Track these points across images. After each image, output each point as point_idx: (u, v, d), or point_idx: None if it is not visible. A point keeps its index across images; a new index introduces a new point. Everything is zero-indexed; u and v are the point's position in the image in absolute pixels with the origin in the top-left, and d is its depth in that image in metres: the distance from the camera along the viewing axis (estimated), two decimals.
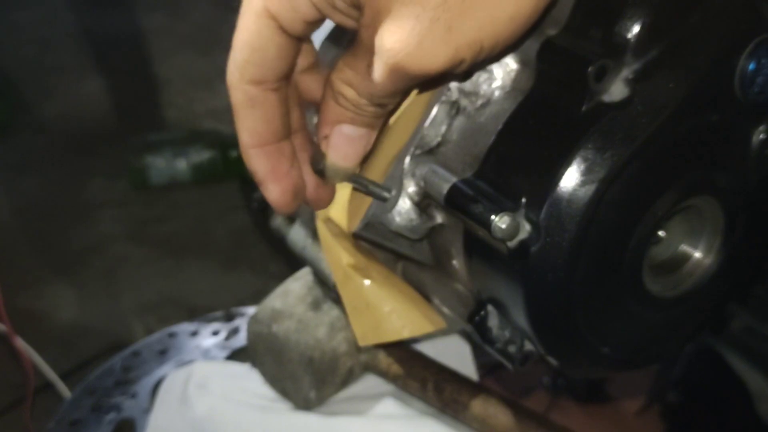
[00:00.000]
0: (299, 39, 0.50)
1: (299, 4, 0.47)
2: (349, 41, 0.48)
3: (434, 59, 0.43)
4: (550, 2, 0.45)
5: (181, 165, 2.44)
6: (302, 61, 0.53)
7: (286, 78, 0.51)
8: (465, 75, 0.54)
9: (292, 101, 0.54)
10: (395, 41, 0.43)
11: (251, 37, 0.48)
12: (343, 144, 0.51)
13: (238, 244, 2.21)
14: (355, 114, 0.49)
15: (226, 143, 2.45)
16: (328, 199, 0.57)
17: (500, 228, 0.49)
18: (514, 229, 0.49)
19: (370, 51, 0.44)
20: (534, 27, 0.47)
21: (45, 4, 3.35)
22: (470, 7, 0.42)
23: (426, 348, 0.89)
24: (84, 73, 3.00)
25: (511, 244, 0.49)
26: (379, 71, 0.44)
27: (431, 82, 0.50)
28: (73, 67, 3.05)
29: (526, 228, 0.49)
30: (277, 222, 0.81)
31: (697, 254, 0.58)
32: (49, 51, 3.13)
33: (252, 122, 0.51)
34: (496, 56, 0.50)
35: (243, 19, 0.48)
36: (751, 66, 0.50)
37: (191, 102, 2.84)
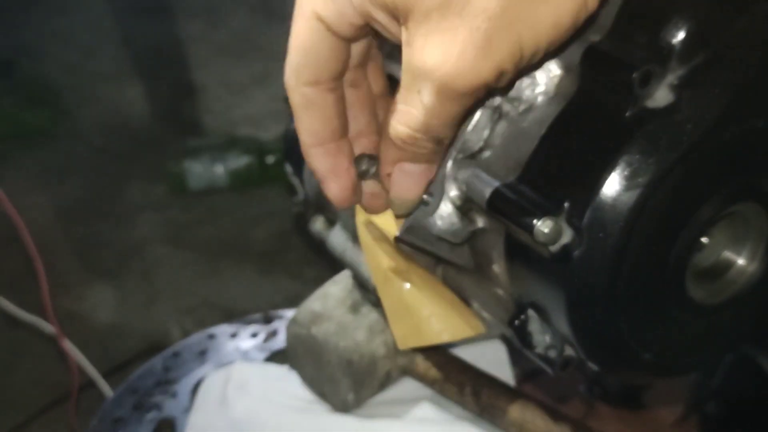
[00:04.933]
0: (350, 40, 0.51)
1: (344, 9, 0.48)
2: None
3: (477, 72, 0.43)
4: (593, 13, 0.45)
5: (219, 170, 2.47)
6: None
7: (340, 78, 0.52)
8: (506, 88, 0.54)
9: (361, 104, 0.55)
10: (437, 56, 0.43)
11: (303, 40, 0.50)
12: (404, 180, 0.53)
13: (274, 249, 2.23)
14: (414, 152, 0.50)
15: (263, 149, 2.48)
16: (382, 206, 0.58)
17: (543, 232, 0.49)
18: (556, 234, 0.49)
19: (416, 76, 0.45)
20: (574, 36, 0.47)
21: (87, 11, 3.42)
22: (511, 17, 0.42)
23: (463, 353, 0.89)
24: (124, 80, 3.05)
25: (554, 248, 0.49)
26: (427, 94, 0.45)
27: (476, 103, 0.50)
28: (113, 73, 3.10)
29: (568, 232, 0.49)
30: (317, 226, 0.82)
31: (741, 261, 0.57)
32: (91, 58, 3.19)
33: (310, 122, 0.53)
34: (536, 64, 0.50)
35: (295, 23, 0.50)
36: None
37: (228, 108, 2.87)
